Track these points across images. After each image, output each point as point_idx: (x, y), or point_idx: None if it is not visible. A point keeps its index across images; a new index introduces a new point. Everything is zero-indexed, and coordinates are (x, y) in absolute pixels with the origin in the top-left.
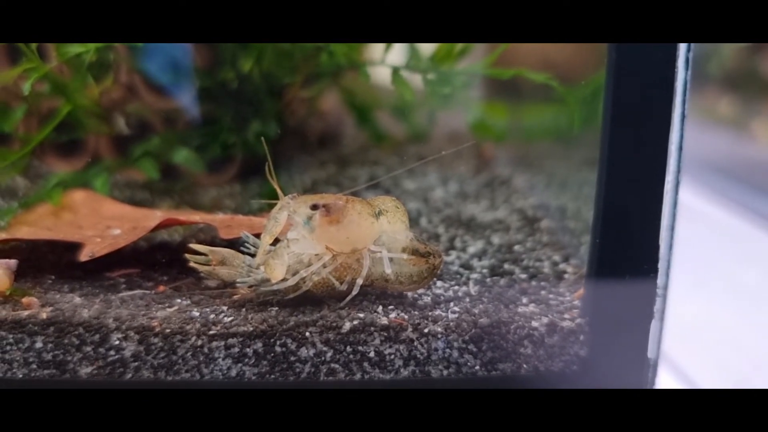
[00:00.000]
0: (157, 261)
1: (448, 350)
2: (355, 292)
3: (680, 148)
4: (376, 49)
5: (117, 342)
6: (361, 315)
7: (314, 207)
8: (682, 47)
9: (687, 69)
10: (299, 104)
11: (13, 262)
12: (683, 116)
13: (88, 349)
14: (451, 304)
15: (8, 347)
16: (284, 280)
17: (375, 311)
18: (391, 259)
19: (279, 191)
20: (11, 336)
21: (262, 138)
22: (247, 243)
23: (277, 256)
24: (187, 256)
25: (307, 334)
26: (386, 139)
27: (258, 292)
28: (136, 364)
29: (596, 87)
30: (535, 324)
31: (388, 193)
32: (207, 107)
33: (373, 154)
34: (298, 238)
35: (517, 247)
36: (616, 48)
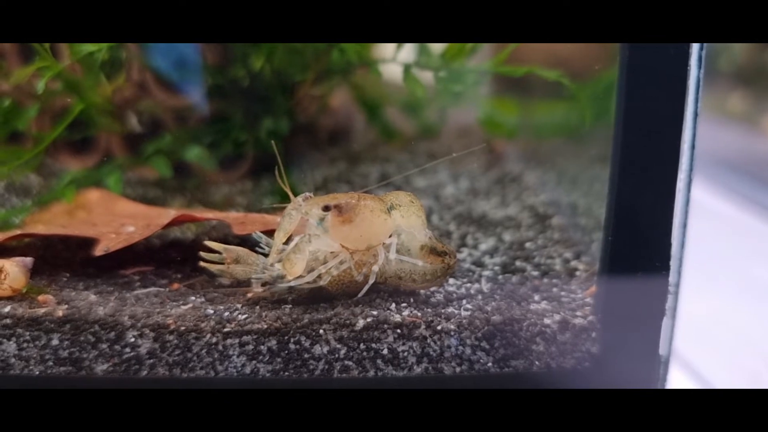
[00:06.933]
0: (170, 258)
1: (460, 347)
2: (371, 281)
3: (692, 146)
4: (386, 47)
5: (132, 339)
6: (375, 312)
7: (326, 208)
8: (695, 45)
9: (699, 67)
10: (310, 101)
11: (29, 260)
12: (696, 114)
13: (104, 346)
14: (464, 301)
15: (25, 344)
16: (300, 277)
17: (388, 308)
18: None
19: (290, 194)
20: (28, 333)
21: (273, 142)
22: (261, 243)
23: (298, 251)
24: (202, 254)
25: (321, 331)
26: (397, 136)
27: (273, 290)
28: (152, 361)
29: (607, 83)
30: (547, 321)
31: (400, 190)
32: (218, 105)
33: (384, 150)
34: (318, 234)
35: (528, 245)
36: (629, 46)
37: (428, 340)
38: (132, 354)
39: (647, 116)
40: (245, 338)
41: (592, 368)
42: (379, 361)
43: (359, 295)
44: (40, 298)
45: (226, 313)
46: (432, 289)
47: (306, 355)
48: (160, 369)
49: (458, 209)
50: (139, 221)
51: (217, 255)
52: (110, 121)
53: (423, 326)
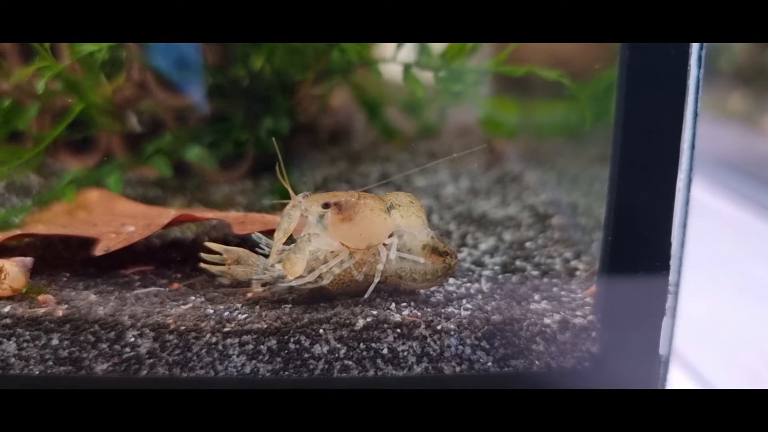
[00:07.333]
0: (170, 258)
1: (460, 347)
2: (376, 281)
3: (692, 146)
4: (387, 47)
5: (132, 339)
6: (374, 312)
7: (326, 205)
8: (695, 45)
9: (699, 67)
10: (310, 101)
11: (29, 260)
12: (695, 114)
13: (104, 346)
14: (464, 301)
15: (25, 344)
16: (301, 277)
17: (388, 308)
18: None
19: (291, 191)
20: (28, 333)
21: (274, 139)
22: (260, 244)
23: (298, 251)
24: (202, 255)
25: (321, 331)
26: (397, 136)
27: (273, 290)
28: (152, 360)
29: (607, 83)
30: (547, 321)
31: (399, 190)
32: (219, 104)
33: (384, 150)
34: (318, 232)
35: (528, 244)
36: (629, 46)
37: (428, 340)
38: (132, 354)
39: (647, 116)
40: (245, 338)
41: (592, 368)
42: (379, 361)
43: (366, 295)
44: (40, 297)
45: (226, 313)
46: (432, 288)
47: (306, 355)
48: (160, 369)
49: (458, 209)
50: (139, 221)
51: (217, 256)
52: (110, 121)
53: (423, 326)
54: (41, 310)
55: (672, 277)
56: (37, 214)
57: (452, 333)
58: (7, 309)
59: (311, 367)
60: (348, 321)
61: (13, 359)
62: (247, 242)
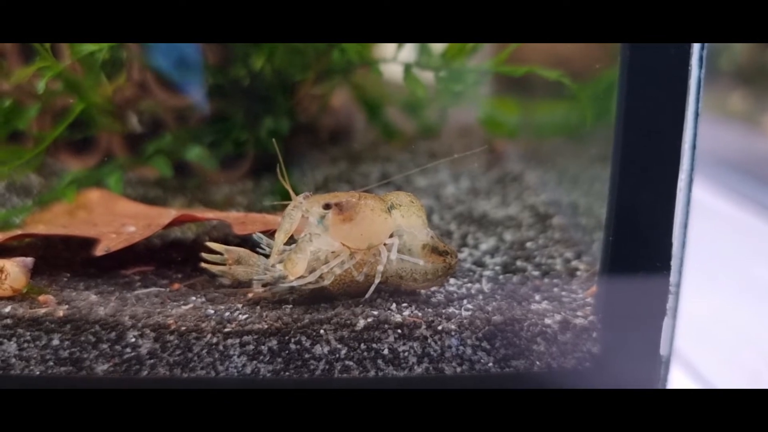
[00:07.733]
0: (171, 259)
1: (461, 347)
2: (376, 281)
3: (693, 146)
4: (387, 46)
5: (133, 339)
6: (375, 312)
7: (327, 206)
8: (696, 45)
9: (700, 67)
10: (311, 101)
11: (29, 260)
12: (697, 114)
13: (105, 346)
14: (464, 301)
15: (25, 344)
16: (301, 277)
17: (389, 309)
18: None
19: (291, 192)
20: (28, 333)
21: (274, 139)
22: (261, 244)
23: (299, 251)
24: (203, 255)
25: (322, 331)
26: (397, 136)
27: (274, 290)
28: (152, 361)
29: (608, 83)
30: (548, 321)
31: (400, 190)
32: (219, 104)
33: (385, 150)
34: (319, 233)
35: (529, 244)
36: (630, 45)
37: (429, 340)
38: (133, 354)
39: (648, 116)
40: (246, 338)
41: (592, 368)
42: (379, 361)
43: (366, 296)
44: (41, 298)
45: (227, 313)
46: (432, 289)
47: (307, 355)
48: (161, 369)
49: (459, 209)
50: (139, 221)
51: (218, 256)
52: (111, 121)
53: (424, 326)
54: (42, 311)
55: (673, 278)
56: (38, 214)
57: (453, 333)
58: (7, 309)
59: (312, 367)
60: (349, 321)
61: (13, 359)
62: (247, 242)
